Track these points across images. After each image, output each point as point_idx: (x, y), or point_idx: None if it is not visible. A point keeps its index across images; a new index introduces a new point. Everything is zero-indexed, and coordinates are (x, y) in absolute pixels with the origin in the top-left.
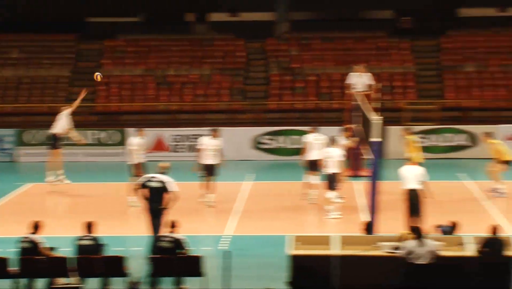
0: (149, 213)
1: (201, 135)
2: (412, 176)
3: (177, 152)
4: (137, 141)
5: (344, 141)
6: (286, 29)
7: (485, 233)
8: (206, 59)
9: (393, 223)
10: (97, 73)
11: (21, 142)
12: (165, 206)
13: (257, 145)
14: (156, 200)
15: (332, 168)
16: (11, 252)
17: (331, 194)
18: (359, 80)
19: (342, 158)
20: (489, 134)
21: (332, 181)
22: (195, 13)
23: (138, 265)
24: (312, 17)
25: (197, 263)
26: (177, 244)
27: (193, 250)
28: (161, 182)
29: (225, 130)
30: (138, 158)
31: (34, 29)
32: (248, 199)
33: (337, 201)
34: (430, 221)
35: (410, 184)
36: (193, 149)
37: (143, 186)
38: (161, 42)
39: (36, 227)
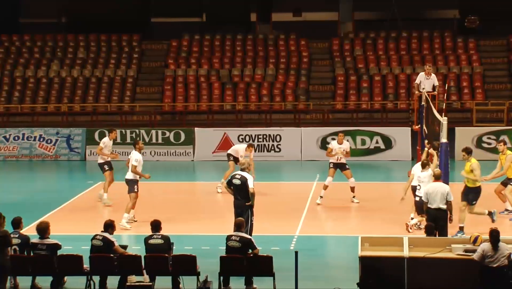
0: (235, 209)
1: (267, 135)
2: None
3: None
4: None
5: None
6: (350, 29)
7: None
8: (269, 59)
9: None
10: None
11: (90, 141)
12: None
13: (323, 145)
14: (238, 197)
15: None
16: (84, 250)
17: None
18: (427, 81)
19: None
20: None
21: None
22: (258, 13)
23: (207, 264)
24: (376, 17)
25: (267, 263)
26: (245, 243)
27: (261, 249)
28: (243, 179)
29: (291, 130)
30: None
31: (100, 29)
32: (312, 199)
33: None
34: None
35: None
36: (260, 148)
37: (229, 183)
38: (224, 42)
39: (108, 226)
